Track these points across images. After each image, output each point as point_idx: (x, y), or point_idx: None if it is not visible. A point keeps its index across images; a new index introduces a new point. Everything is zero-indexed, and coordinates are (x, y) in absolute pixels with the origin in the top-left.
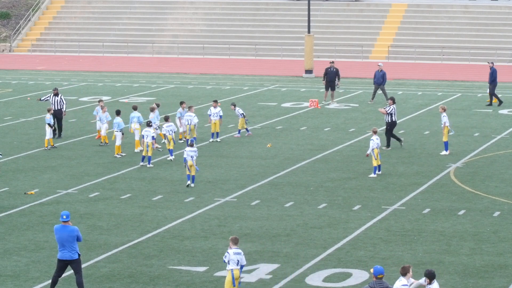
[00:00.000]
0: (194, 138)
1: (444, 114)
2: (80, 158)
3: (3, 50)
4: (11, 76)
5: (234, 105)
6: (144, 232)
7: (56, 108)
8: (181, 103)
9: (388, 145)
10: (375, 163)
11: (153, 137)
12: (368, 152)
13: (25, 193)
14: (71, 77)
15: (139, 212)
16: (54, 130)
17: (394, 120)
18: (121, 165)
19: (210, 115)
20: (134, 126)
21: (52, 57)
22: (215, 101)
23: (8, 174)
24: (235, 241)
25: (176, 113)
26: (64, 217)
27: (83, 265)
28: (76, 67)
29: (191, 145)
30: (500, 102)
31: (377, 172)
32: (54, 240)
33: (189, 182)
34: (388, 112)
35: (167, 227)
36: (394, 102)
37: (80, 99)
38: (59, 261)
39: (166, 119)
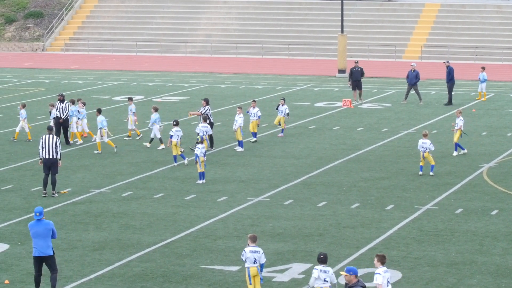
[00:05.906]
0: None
1: (461, 118)
2: (113, 157)
3: (36, 49)
4: (44, 75)
5: (284, 100)
6: (177, 232)
7: (61, 116)
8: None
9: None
10: (431, 162)
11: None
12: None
13: (58, 192)
14: (104, 76)
15: (172, 212)
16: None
17: (211, 121)
18: (154, 164)
19: (249, 114)
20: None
21: (85, 56)
22: (254, 101)
23: (41, 174)
24: (253, 239)
25: (129, 108)
26: (38, 214)
27: (116, 264)
28: (109, 66)
29: (176, 124)
30: (450, 102)
31: (420, 172)
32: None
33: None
34: (202, 113)
35: (200, 227)
36: (207, 104)
37: (113, 98)
38: (35, 258)
39: (205, 119)
